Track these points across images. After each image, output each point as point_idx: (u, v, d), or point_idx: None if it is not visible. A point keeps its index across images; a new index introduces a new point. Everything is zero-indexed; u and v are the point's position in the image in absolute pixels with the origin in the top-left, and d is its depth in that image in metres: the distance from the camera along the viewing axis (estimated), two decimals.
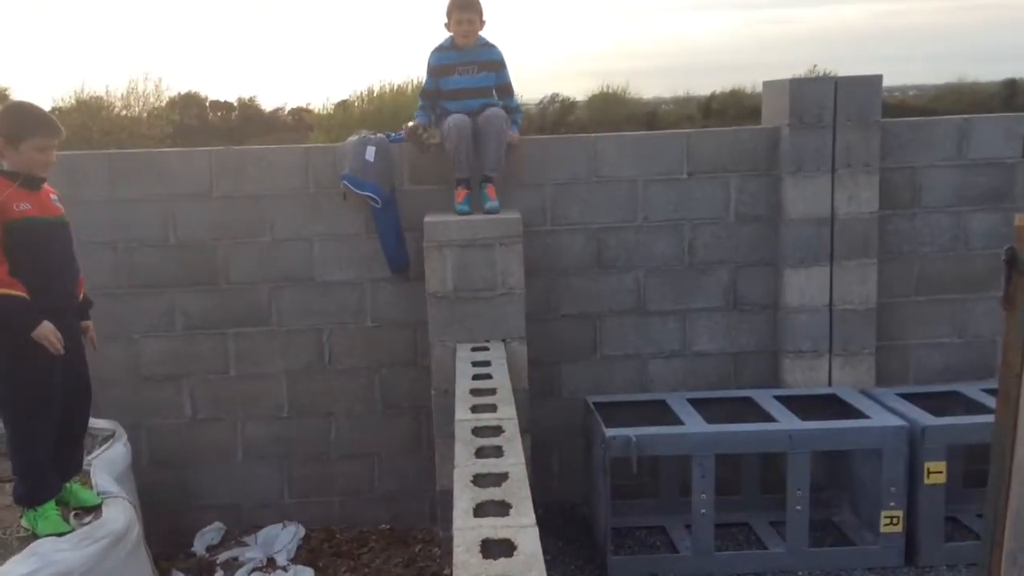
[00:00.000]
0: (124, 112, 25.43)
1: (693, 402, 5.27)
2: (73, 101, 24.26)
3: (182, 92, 30.53)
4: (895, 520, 4.86)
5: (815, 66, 27.96)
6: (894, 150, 5.48)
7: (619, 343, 5.62)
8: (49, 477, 3.77)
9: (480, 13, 5.23)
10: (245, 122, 32.61)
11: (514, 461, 2.98)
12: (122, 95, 25.62)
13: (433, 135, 5.38)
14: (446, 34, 5.30)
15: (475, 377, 4.10)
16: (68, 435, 3.87)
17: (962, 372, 5.68)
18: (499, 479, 2.83)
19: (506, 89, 5.37)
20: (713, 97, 32.06)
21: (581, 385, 5.60)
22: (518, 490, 2.73)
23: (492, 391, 3.83)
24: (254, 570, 5.11)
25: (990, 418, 3.16)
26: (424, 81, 5.44)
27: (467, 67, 5.24)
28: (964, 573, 4.80)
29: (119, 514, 3.89)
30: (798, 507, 4.87)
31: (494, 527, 2.49)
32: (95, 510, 3.91)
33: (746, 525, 5.31)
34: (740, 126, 6.20)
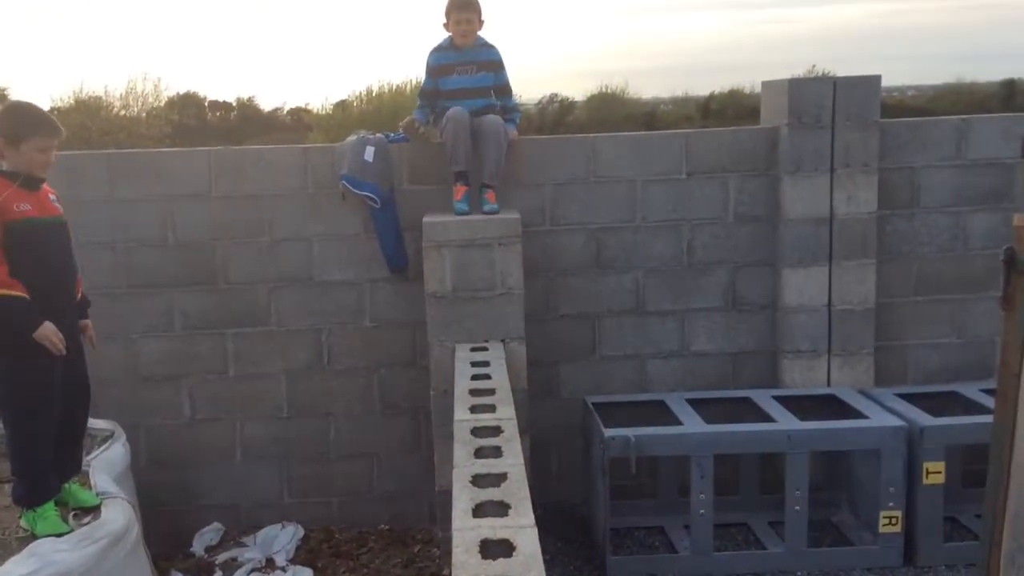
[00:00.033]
0: (123, 112, 25.44)
1: (692, 402, 5.27)
2: (72, 101, 24.29)
3: (181, 92, 30.59)
4: (894, 520, 4.86)
5: (814, 66, 28.03)
6: (893, 150, 5.49)
7: (618, 343, 5.62)
8: (48, 477, 3.77)
9: (479, 13, 5.24)
10: (244, 122, 32.63)
11: (513, 461, 2.98)
12: (121, 95, 25.64)
13: (432, 135, 5.38)
14: (445, 34, 5.30)
15: (474, 377, 4.10)
16: (68, 435, 3.87)
17: (961, 372, 5.68)
18: (498, 479, 2.83)
19: (504, 89, 5.38)
20: (712, 97, 32.09)
21: (580, 385, 5.60)
22: (517, 490, 2.73)
23: (491, 391, 3.83)
24: (253, 570, 5.11)
25: (989, 418, 3.17)
26: (423, 81, 5.44)
27: (466, 67, 5.24)
28: (963, 573, 4.80)
29: (118, 515, 3.89)
30: (797, 507, 4.87)
31: (493, 527, 2.49)
32: (94, 510, 3.91)
33: (745, 525, 5.31)
34: (739, 126, 6.20)
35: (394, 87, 22.26)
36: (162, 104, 26.95)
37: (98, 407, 4.49)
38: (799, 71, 26.87)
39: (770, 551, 5.02)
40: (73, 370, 3.81)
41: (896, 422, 4.86)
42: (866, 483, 5.04)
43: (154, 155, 5.92)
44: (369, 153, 5.25)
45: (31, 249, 3.60)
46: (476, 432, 3.28)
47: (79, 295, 3.95)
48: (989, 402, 4.55)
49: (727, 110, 28.55)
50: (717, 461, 4.84)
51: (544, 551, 2.41)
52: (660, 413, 5.21)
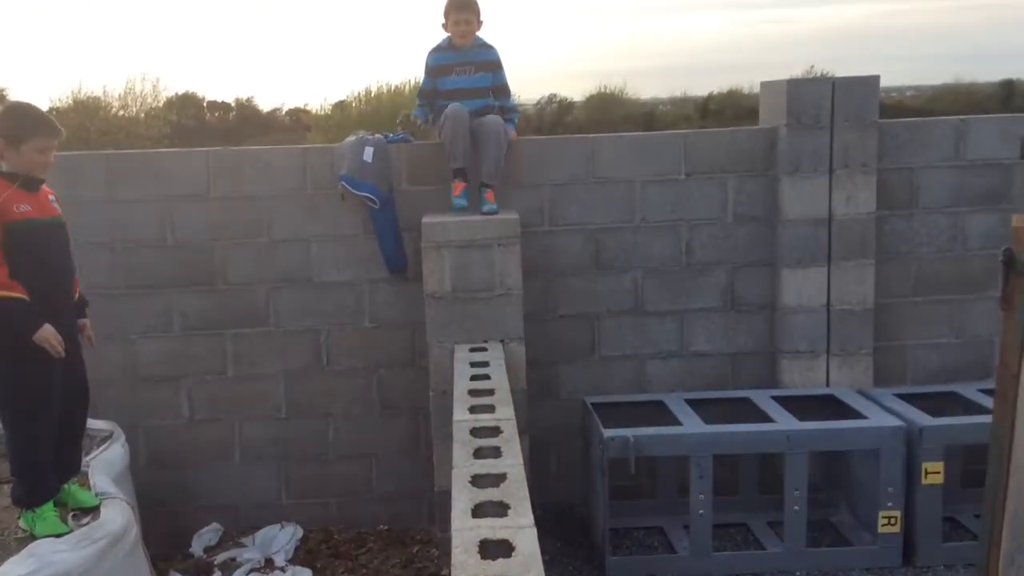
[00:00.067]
0: (121, 112, 25.44)
1: (691, 403, 5.27)
2: (70, 101, 24.29)
3: (180, 92, 30.63)
4: (893, 520, 4.86)
5: (812, 67, 28.05)
6: (891, 151, 5.49)
7: (617, 344, 5.62)
8: (48, 478, 3.77)
9: (478, 14, 5.25)
10: (243, 122, 32.63)
11: (512, 462, 2.98)
12: (119, 95, 25.65)
13: (431, 133, 5.38)
14: (444, 34, 5.31)
15: (473, 378, 4.10)
16: (67, 436, 3.86)
17: (960, 372, 5.69)
18: (497, 480, 2.83)
19: (503, 90, 5.39)
20: (711, 97, 32.12)
21: (579, 386, 5.60)
22: (516, 491, 2.74)
23: (490, 392, 3.83)
24: (252, 571, 5.11)
25: (988, 418, 3.17)
26: (422, 81, 5.44)
27: (464, 67, 5.25)
28: (962, 573, 4.80)
29: (117, 515, 3.89)
30: (796, 507, 4.87)
31: (492, 528, 2.49)
32: (93, 511, 3.91)
33: (744, 525, 5.31)
34: (738, 127, 6.20)
35: (393, 88, 22.30)
36: (161, 104, 26.98)
37: (97, 408, 4.49)
38: (798, 71, 26.94)
39: (769, 551, 5.02)
40: (72, 371, 3.81)
41: (895, 422, 4.87)
42: (865, 483, 5.04)
43: (152, 155, 5.92)
44: (368, 154, 5.25)
45: (31, 250, 3.60)
46: (475, 432, 3.29)
47: (76, 295, 3.95)
48: (988, 402, 4.56)
49: (726, 110, 28.59)
50: (716, 461, 4.85)
51: (543, 551, 2.41)
52: (659, 413, 5.21)
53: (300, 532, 5.50)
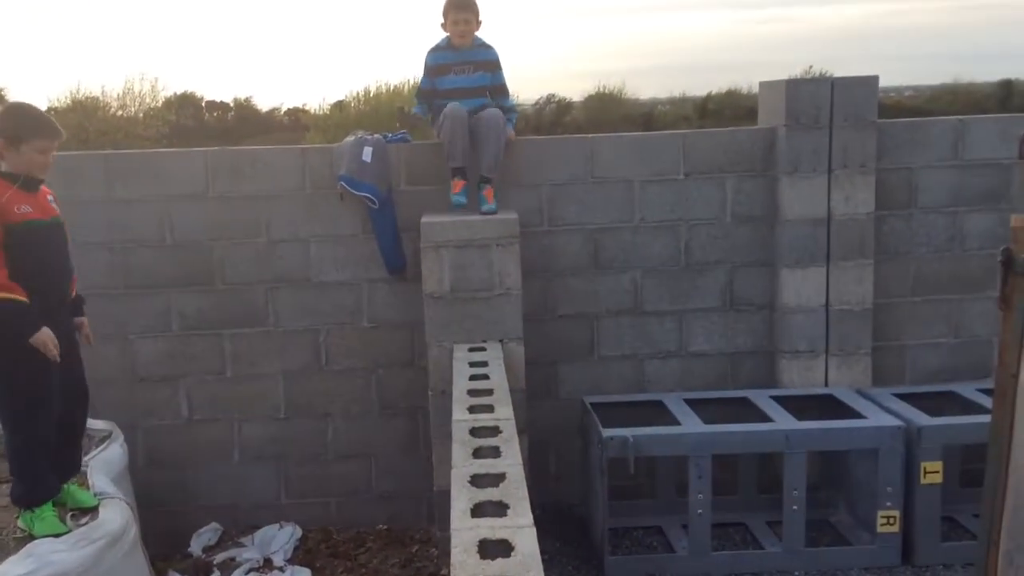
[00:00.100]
0: (120, 112, 25.38)
1: (690, 402, 5.27)
2: (69, 101, 24.22)
3: (178, 92, 30.55)
4: (892, 520, 4.86)
5: (811, 66, 28.03)
6: (890, 151, 5.49)
7: (616, 343, 5.63)
8: (47, 478, 3.76)
9: (476, 13, 5.25)
10: (241, 122, 32.60)
11: (511, 461, 2.98)
12: (118, 95, 25.57)
13: (430, 133, 5.39)
14: (443, 34, 5.31)
15: (472, 378, 4.10)
16: (66, 436, 3.86)
17: (958, 372, 5.69)
18: (496, 479, 2.84)
19: (501, 90, 5.39)
20: (709, 97, 32.09)
21: (578, 385, 5.60)
22: (515, 490, 2.74)
23: (489, 392, 3.83)
24: (251, 571, 5.11)
25: (986, 418, 3.18)
26: (420, 81, 5.44)
27: (463, 67, 5.25)
28: (961, 573, 4.81)
29: (116, 515, 3.89)
30: (795, 507, 4.87)
31: (492, 527, 2.49)
32: (92, 511, 3.90)
33: (743, 525, 5.32)
34: (737, 127, 6.20)
35: (392, 87, 22.21)
36: (159, 104, 26.90)
37: (95, 407, 4.48)
38: (797, 71, 26.90)
39: (768, 551, 5.02)
40: (71, 371, 3.80)
41: (894, 422, 4.87)
42: (864, 483, 5.04)
43: (151, 155, 5.91)
44: (367, 154, 5.25)
45: (31, 251, 3.60)
46: (474, 432, 3.29)
47: (73, 294, 3.94)
48: (987, 402, 4.57)
49: (725, 110, 28.58)
50: (715, 461, 4.85)
51: (542, 551, 2.41)
52: (658, 413, 5.22)
53: (299, 532, 5.50)
